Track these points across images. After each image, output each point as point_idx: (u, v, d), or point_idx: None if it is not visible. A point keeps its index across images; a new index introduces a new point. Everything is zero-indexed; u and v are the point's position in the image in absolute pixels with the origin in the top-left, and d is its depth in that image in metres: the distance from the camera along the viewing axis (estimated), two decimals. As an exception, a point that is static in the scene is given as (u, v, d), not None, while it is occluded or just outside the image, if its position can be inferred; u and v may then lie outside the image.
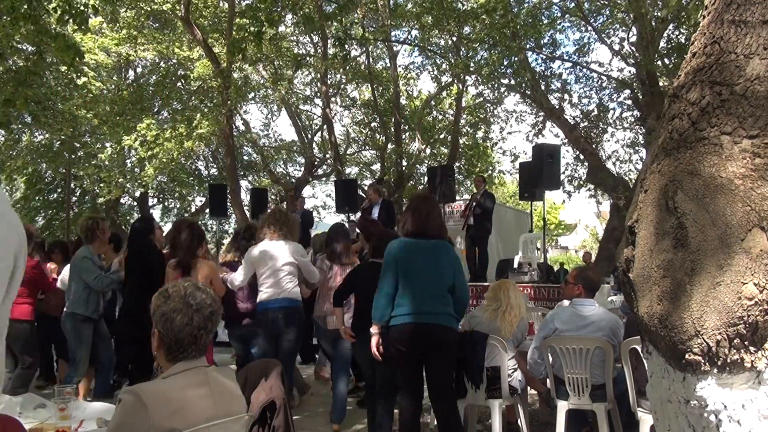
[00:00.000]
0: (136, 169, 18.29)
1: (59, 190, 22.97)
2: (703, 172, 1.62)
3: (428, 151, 20.23)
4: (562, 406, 4.09)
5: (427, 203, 3.91)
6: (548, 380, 4.27)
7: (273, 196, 20.56)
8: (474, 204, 10.03)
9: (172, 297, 2.01)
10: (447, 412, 3.68)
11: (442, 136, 20.29)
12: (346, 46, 9.75)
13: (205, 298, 2.03)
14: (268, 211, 5.28)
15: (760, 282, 1.49)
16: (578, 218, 39.68)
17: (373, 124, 21.01)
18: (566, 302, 4.72)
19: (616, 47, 14.85)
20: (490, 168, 22.41)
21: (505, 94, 17.18)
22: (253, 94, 20.36)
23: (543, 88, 14.63)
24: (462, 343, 4.30)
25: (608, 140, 22.53)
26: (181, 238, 4.42)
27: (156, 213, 24.41)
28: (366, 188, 15.65)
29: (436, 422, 4.81)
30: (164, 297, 2.02)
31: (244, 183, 21.99)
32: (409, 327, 3.59)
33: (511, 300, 4.48)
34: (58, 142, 18.67)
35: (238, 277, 4.86)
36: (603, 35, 14.59)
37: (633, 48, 14.17)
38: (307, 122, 23.02)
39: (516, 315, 4.45)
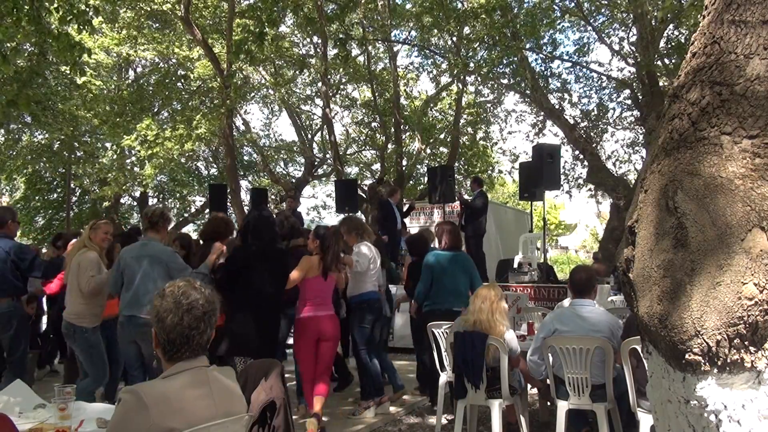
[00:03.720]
0: (135, 168, 18.29)
1: (59, 190, 22.95)
2: (703, 172, 1.62)
3: (428, 151, 20.22)
4: (562, 406, 4.09)
5: (444, 227, 5.85)
6: (548, 381, 4.27)
7: (273, 196, 20.55)
8: (462, 205, 10.32)
9: (166, 297, 2.00)
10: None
11: (442, 136, 20.28)
12: (347, 46, 9.75)
13: (199, 298, 2.00)
14: (350, 217, 6.16)
15: (760, 282, 1.49)
16: (578, 218, 39.69)
17: (373, 124, 21.00)
18: (566, 303, 4.71)
19: (616, 47, 14.87)
20: (490, 168, 22.40)
21: (505, 93, 17.18)
22: (253, 94, 20.36)
23: (543, 87, 14.62)
24: (455, 344, 4.31)
25: (608, 140, 22.51)
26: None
27: (156, 213, 24.37)
28: (374, 188, 15.73)
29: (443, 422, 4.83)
30: (161, 297, 2.02)
31: (244, 183, 22.00)
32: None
33: (482, 319, 4.21)
34: (58, 142, 18.67)
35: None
36: (603, 35, 14.59)
37: (633, 48, 14.17)
38: (307, 122, 23.01)
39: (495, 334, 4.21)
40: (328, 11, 12.71)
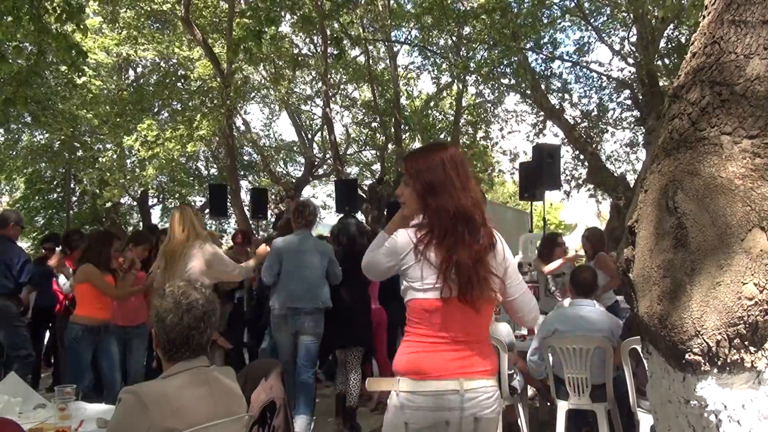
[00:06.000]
0: (136, 170, 18.29)
1: (59, 190, 22.93)
2: (703, 172, 1.62)
3: (428, 151, 20.18)
4: (562, 406, 4.09)
5: None
6: (548, 381, 4.27)
7: (273, 196, 20.55)
8: None
9: (166, 297, 2.00)
10: None
11: (442, 136, 20.27)
12: (343, 45, 9.75)
13: (199, 298, 2.01)
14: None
15: (760, 282, 1.49)
16: (578, 218, 39.63)
17: (373, 124, 20.99)
18: (566, 303, 4.71)
19: (616, 47, 14.86)
20: (490, 168, 22.38)
21: (506, 93, 17.17)
22: (253, 94, 20.35)
23: (543, 88, 14.61)
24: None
25: (608, 140, 22.50)
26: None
27: (156, 213, 24.40)
28: (374, 188, 15.72)
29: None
30: (161, 297, 2.02)
31: (244, 183, 21.96)
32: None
33: None
34: (58, 142, 18.65)
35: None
36: (603, 35, 14.59)
37: (633, 48, 14.17)
38: (307, 122, 23.00)
39: None
40: (326, 10, 12.69)
